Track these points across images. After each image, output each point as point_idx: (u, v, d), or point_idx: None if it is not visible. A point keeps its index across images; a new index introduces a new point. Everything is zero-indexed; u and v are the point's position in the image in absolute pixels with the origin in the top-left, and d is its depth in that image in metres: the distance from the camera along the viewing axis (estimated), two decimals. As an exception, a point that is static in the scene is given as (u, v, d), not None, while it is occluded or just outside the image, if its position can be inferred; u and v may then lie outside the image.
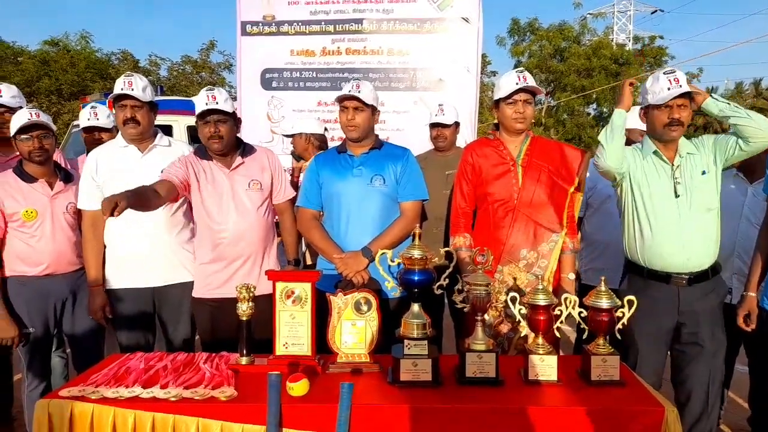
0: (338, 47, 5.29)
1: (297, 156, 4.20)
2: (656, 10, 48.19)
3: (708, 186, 2.30)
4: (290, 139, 4.16)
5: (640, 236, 2.37)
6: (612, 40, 40.49)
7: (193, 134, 6.41)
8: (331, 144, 4.52)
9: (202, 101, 2.50)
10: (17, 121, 2.55)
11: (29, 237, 2.61)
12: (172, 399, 1.78)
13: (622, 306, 1.90)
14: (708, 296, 2.32)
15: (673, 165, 2.33)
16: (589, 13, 36.03)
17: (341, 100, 2.51)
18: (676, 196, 2.28)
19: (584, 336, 1.97)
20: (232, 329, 2.61)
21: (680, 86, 2.24)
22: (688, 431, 2.35)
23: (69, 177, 2.74)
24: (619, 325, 1.90)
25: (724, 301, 2.45)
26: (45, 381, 2.77)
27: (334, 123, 5.19)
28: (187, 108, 8.33)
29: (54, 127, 2.70)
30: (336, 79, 5.26)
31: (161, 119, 3.83)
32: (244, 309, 2.03)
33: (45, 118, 2.61)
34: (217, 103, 2.49)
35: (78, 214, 2.70)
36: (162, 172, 2.55)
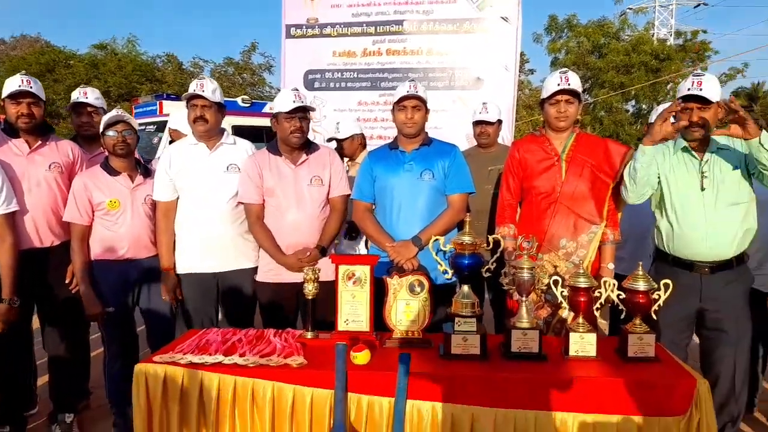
0: (379, 48, 5.40)
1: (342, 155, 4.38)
2: (699, 4, 46.67)
3: (737, 180, 2.41)
4: (333, 141, 4.29)
5: (667, 226, 2.52)
6: (653, 35, 39.59)
7: (236, 132, 6.71)
8: (370, 142, 4.73)
9: (289, 99, 2.74)
10: (105, 119, 2.85)
11: (112, 224, 2.90)
12: (251, 365, 2.02)
13: (658, 289, 2.05)
14: (731, 284, 2.43)
15: (701, 160, 2.45)
16: (629, 8, 35.34)
17: (401, 99, 2.70)
18: (702, 189, 2.41)
19: (622, 316, 2.13)
20: (291, 310, 2.88)
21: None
22: (717, 414, 2.48)
23: (148, 172, 3.03)
24: (655, 307, 2.06)
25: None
26: (124, 357, 3.06)
27: (373, 122, 5.35)
28: (231, 108, 8.69)
29: (136, 125, 2.99)
30: (376, 79, 5.42)
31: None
32: (310, 289, 2.27)
33: (127, 117, 2.90)
34: (302, 101, 2.74)
35: (154, 205, 2.98)
36: (240, 192, 2.85)
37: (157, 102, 8.79)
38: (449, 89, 5.20)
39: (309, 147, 2.90)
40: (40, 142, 2.91)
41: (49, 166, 2.90)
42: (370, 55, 5.46)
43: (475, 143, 4.01)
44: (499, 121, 3.92)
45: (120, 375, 3.02)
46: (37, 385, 3.30)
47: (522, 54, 22.44)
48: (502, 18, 5.03)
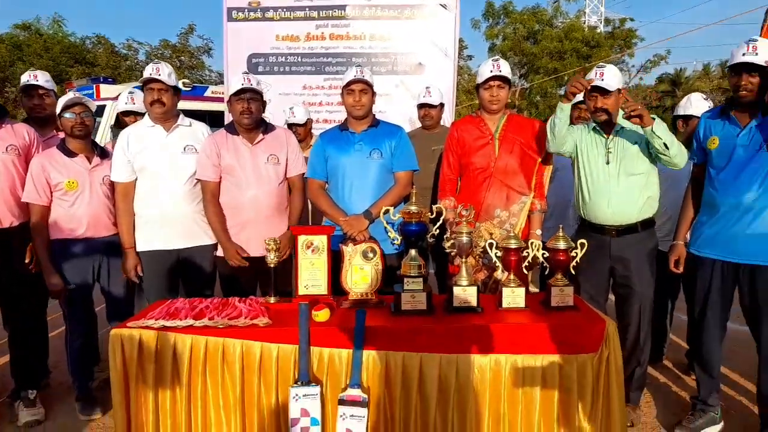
0: (322, 33, 5.46)
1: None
2: (627, -9, 49.01)
3: (637, 155, 2.77)
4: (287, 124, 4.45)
5: (581, 196, 2.90)
6: (584, 23, 41.21)
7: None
8: (315, 125, 4.91)
9: (237, 82, 2.93)
10: (63, 100, 2.92)
11: (70, 205, 2.98)
12: (220, 326, 2.22)
13: (576, 248, 2.39)
14: (637, 246, 2.81)
15: (607, 139, 2.82)
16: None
17: (349, 83, 2.91)
18: (607, 163, 2.78)
19: (546, 272, 2.47)
20: (251, 283, 3.08)
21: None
22: (627, 360, 2.88)
23: (104, 153, 3.12)
24: (573, 263, 2.40)
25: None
26: (84, 332, 3.16)
27: (318, 106, 5.45)
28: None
29: (94, 107, 3.06)
30: (320, 63, 5.49)
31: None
32: (272, 258, 2.49)
33: (85, 99, 2.97)
34: (251, 84, 2.93)
35: (112, 185, 3.08)
36: (198, 170, 3.01)
37: (94, 85, 8.54)
38: (392, 74, 5.36)
39: (266, 127, 3.08)
40: (-5, 124, 2.95)
41: (6, 148, 2.95)
42: (314, 39, 5.51)
43: (418, 125, 4.27)
44: (442, 105, 4.21)
45: (81, 351, 3.15)
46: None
47: (461, 40, 22.89)
48: (441, 5, 5.22)
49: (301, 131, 4.36)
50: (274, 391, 2.18)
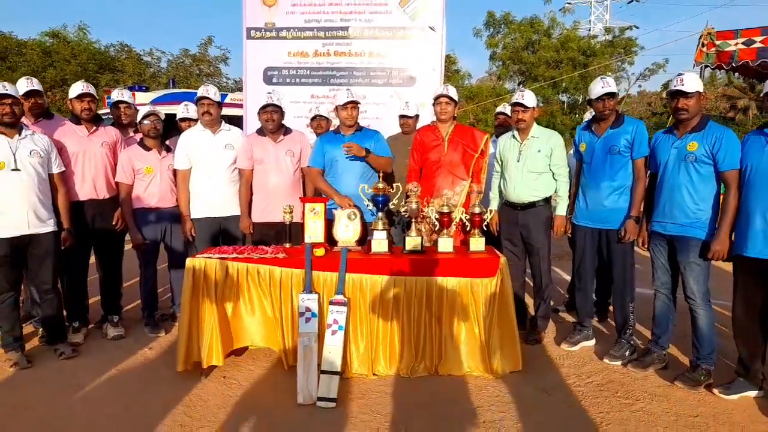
0: (328, 50, 6.28)
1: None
2: (632, 0, 50.12)
3: (540, 158, 3.97)
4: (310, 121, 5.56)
5: (502, 182, 4.14)
6: (589, 30, 42.32)
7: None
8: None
9: (264, 100, 4.18)
10: (143, 111, 4.21)
11: (146, 185, 4.27)
12: (255, 257, 3.49)
13: (485, 213, 3.64)
14: (534, 217, 4.02)
15: (521, 143, 4.05)
16: (568, 3, 37.85)
17: (344, 104, 4.11)
18: (518, 161, 4.01)
19: (468, 229, 3.72)
20: (269, 238, 4.32)
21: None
22: (536, 295, 4.14)
23: (168, 148, 4.40)
24: (485, 223, 3.65)
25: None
26: (153, 275, 4.44)
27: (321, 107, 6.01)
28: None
29: (162, 116, 4.34)
30: (326, 76, 6.33)
31: (177, 108, 5.11)
32: (288, 217, 3.75)
33: (157, 110, 4.26)
34: (277, 100, 4.17)
35: (174, 172, 4.35)
36: (236, 160, 4.27)
37: (131, 93, 9.86)
38: (387, 86, 6.24)
39: (285, 130, 4.35)
40: (94, 128, 4.23)
41: (102, 144, 4.24)
42: (321, 55, 6.32)
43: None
44: (417, 116, 5.42)
45: (151, 288, 4.43)
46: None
47: (448, 56, 23.95)
48: (430, 27, 6.13)
49: (324, 124, 5.49)
50: (289, 298, 3.45)
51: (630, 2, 50.05)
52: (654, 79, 31.94)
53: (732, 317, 3.28)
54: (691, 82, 3.25)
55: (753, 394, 3.21)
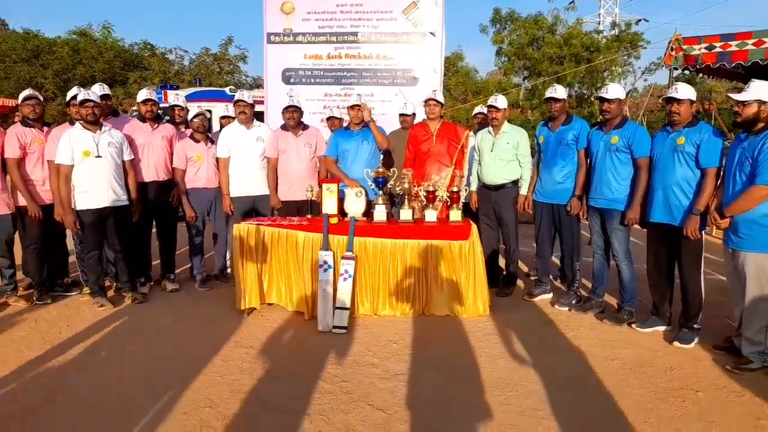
0: (339, 53, 7.10)
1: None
2: (641, -7, 50.55)
3: (509, 149, 4.97)
4: (326, 120, 6.60)
5: (479, 167, 5.16)
6: (599, 24, 42.85)
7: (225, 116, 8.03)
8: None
9: (285, 101, 5.25)
10: (192, 112, 5.32)
11: (196, 170, 5.38)
12: (284, 224, 4.58)
13: (460, 191, 4.70)
14: (504, 196, 5.04)
15: (494, 136, 5.08)
16: (571, 2, 38.49)
17: (351, 105, 5.16)
18: (491, 150, 5.04)
19: (449, 204, 4.77)
20: (291, 212, 5.40)
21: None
22: (506, 258, 5.20)
23: (212, 141, 5.49)
24: (462, 200, 4.71)
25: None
26: (201, 243, 5.55)
27: (335, 109, 6.86)
28: (221, 96, 10.89)
29: (208, 114, 5.43)
30: (338, 76, 7.15)
31: (205, 105, 6.04)
32: (310, 195, 4.84)
33: (205, 110, 5.37)
34: (297, 102, 5.24)
35: (217, 159, 5.44)
36: (265, 150, 5.32)
37: (162, 91, 10.99)
38: (392, 85, 7.07)
39: (304, 126, 5.42)
40: (157, 125, 5.34)
41: (162, 137, 5.34)
42: (333, 58, 7.12)
43: (419, 119, 6.44)
44: (414, 114, 6.44)
45: (199, 253, 5.55)
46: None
47: (447, 57, 24.64)
48: (431, 33, 6.96)
49: (337, 123, 6.52)
50: (310, 255, 4.53)
51: (640, -6, 50.62)
52: (661, 73, 32.26)
53: (646, 271, 4.32)
54: (614, 91, 4.28)
55: (662, 328, 4.25)
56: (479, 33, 28.89)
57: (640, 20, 38.21)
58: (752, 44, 7.38)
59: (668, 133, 4.00)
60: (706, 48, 7.87)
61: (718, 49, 7.75)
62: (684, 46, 8.17)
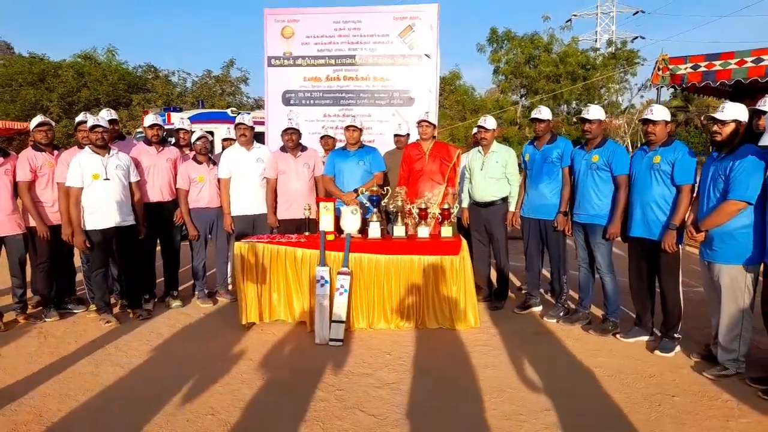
0: (338, 75, 7.31)
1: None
2: (638, 12, 51.38)
3: (497, 168, 5.21)
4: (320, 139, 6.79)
5: (470, 186, 5.38)
6: (596, 41, 43.49)
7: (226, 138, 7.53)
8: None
9: (285, 124, 5.50)
10: (196, 134, 5.57)
11: (199, 190, 5.61)
12: (283, 242, 4.79)
13: (453, 209, 4.91)
14: (494, 213, 5.27)
15: (484, 155, 5.31)
16: (574, 15, 39.09)
17: (347, 126, 5.43)
18: (481, 169, 5.27)
19: (441, 221, 4.98)
20: (291, 230, 5.62)
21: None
22: (498, 271, 5.39)
23: (214, 162, 5.74)
24: (453, 216, 4.92)
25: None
26: (204, 259, 5.76)
27: (334, 129, 6.92)
28: (222, 118, 11.18)
29: (210, 137, 5.69)
30: (336, 98, 7.36)
31: (207, 127, 6.26)
32: (307, 213, 5.06)
33: (206, 134, 5.62)
34: (296, 124, 5.50)
35: (218, 180, 5.67)
36: (265, 170, 5.54)
37: (166, 113, 11.30)
38: (389, 105, 7.29)
39: (302, 147, 5.67)
40: (162, 147, 5.59)
41: (166, 159, 5.58)
42: (332, 80, 7.32)
43: (414, 138, 6.67)
44: (408, 134, 6.69)
45: (202, 269, 5.75)
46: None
47: (442, 78, 25.02)
48: (426, 55, 7.22)
49: (331, 142, 6.72)
50: (307, 270, 4.74)
51: (636, 14, 51.44)
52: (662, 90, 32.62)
53: (629, 283, 4.51)
54: (594, 112, 4.52)
55: (645, 338, 4.43)
56: (477, 52, 29.32)
57: (636, 38, 38.97)
58: (735, 63, 7.64)
59: (645, 152, 4.22)
60: (691, 68, 8.13)
61: (702, 69, 8.01)
62: (670, 66, 8.43)
